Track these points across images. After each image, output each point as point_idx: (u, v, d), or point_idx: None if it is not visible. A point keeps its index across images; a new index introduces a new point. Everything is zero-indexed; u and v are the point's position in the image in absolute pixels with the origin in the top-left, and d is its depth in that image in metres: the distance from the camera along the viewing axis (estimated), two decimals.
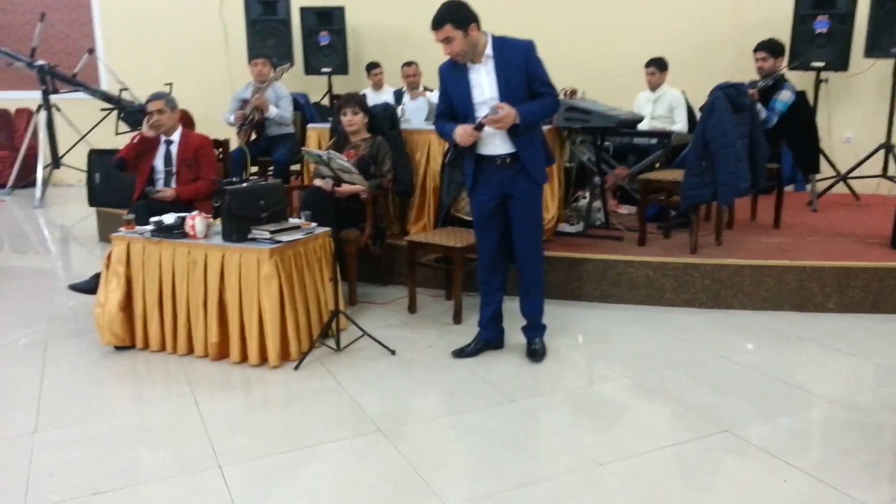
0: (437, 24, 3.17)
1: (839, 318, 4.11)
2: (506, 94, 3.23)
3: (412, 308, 4.28)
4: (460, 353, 3.63)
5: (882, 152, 6.14)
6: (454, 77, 3.33)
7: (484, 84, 3.27)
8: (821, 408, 3.03)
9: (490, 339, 3.68)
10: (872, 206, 5.96)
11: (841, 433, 2.82)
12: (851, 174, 6.23)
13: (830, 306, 4.20)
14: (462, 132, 3.26)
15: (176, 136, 4.42)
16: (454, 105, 3.37)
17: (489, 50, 3.24)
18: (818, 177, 6.04)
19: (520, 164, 3.35)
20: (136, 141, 4.36)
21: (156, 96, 4.40)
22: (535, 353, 3.57)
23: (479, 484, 2.48)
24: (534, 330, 3.63)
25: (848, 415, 2.97)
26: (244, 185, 3.64)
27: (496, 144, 3.34)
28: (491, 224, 3.48)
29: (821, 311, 4.19)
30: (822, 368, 3.49)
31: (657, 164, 5.58)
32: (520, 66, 3.24)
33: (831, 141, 6.70)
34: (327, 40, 7.89)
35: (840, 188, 6.31)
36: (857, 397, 3.13)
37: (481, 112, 3.27)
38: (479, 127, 3.23)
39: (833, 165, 6.30)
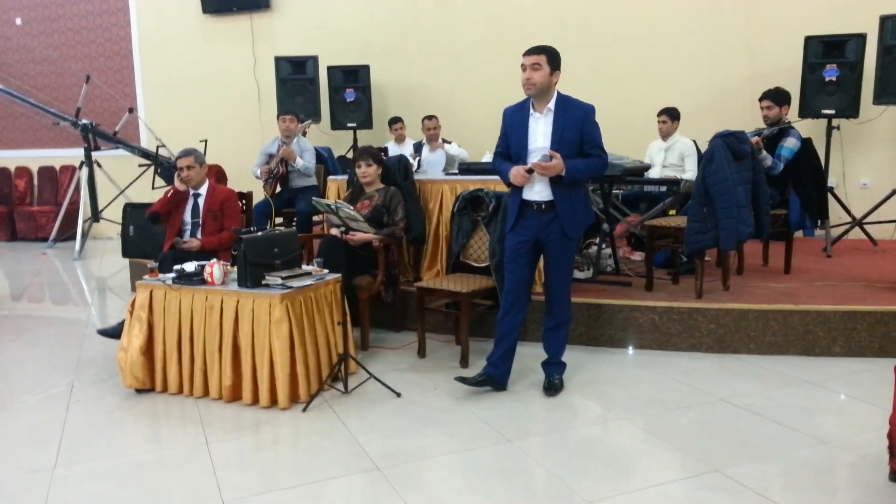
0: (536, 50, 3.50)
1: (845, 362, 4.12)
2: (557, 146, 3.48)
3: (421, 352, 4.41)
4: (463, 380, 3.76)
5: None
6: (516, 120, 3.63)
7: (539, 133, 3.55)
8: (813, 448, 3.05)
9: (493, 377, 3.77)
10: (889, 251, 5.95)
11: (830, 473, 2.86)
12: (867, 219, 6.24)
13: (837, 350, 4.21)
14: (515, 172, 3.54)
15: (203, 190, 4.69)
16: (511, 147, 3.65)
17: (552, 104, 3.52)
18: (833, 222, 6.08)
19: (554, 213, 3.56)
20: (169, 195, 4.64)
21: (185, 153, 4.68)
22: (553, 387, 3.75)
23: None
24: (554, 367, 3.82)
25: (840, 455, 2.99)
26: (259, 233, 3.86)
27: (535, 191, 3.59)
28: (518, 264, 3.68)
29: (827, 355, 4.21)
30: (821, 411, 3.51)
31: (672, 212, 5.68)
32: (576, 124, 3.50)
33: (846, 186, 6.73)
34: (353, 97, 8.23)
35: (858, 234, 6.31)
36: (852, 438, 3.14)
37: (532, 158, 3.53)
38: (530, 171, 3.49)
39: (848, 211, 6.32)
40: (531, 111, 3.57)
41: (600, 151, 3.54)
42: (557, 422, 3.47)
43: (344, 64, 8.23)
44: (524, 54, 3.51)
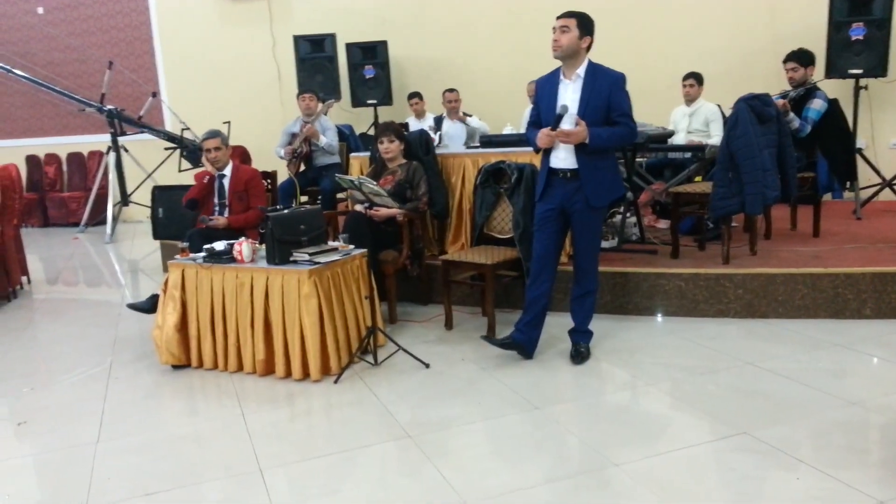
0: (567, 14, 3.51)
1: (876, 324, 4.09)
2: (584, 112, 3.49)
3: (448, 325, 4.45)
4: (489, 339, 3.88)
5: None
6: (547, 89, 3.64)
7: (568, 99, 3.55)
8: (842, 410, 3.06)
9: (520, 342, 3.81)
10: None
11: (858, 433, 2.86)
12: None
13: (867, 313, 4.18)
14: (541, 134, 3.56)
15: (228, 171, 4.75)
16: (541, 114, 3.66)
17: (582, 70, 3.52)
18: (862, 184, 5.99)
19: (579, 182, 3.57)
20: (206, 181, 4.71)
21: (211, 134, 4.74)
22: (580, 354, 3.79)
23: (497, 483, 2.62)
24: (581, 335, 3.85)
25: (868, 416, 3.00)
26: (286, 211, 3.91)
27: (561, 158, 3.60)
28: (545, 232, 3.72)
29: (857, 317, 4.18)
30: (851, 373, 3.51)
31: (698, 178, 5.63)
32: (604, 91, 3.49)
33: (875, 147, 6.62)
34: (372, 73, 8.24)
35: (889, 195, 6.21)
36: (882, 399, 3.13)
37: (561, 123, 3.53)
38: (556, 124, 3.49)
39: (878, 172, 6.21)
40: (561, 78, 3.58)
41: (628, 120, 3.52)
42: (584, 389, 3.50)
43: (362, 41, 8.23)
44: (557, 18, 3.51)
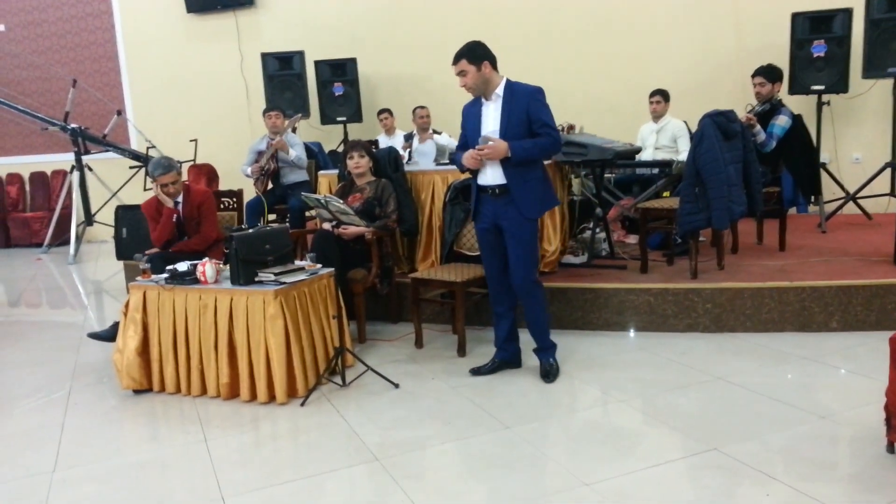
0: (456, 59, 3.56)
1: (842, 336, 4.13)
2: (506, 129, 3.52)
3: (419, 343, 4.40)
4: (477, 371, 3.87)
5: (888, 171, 6.13)
6: (472, 112, 3.70)
7: (490, 119, 3.60)
8: (811, 424, 3.06)
9: (506, 359, 3.89)
10: (883, 224, 5.93)
11: (827, 447, 2.86)
12: (861, 194, 6.23)
13: (833, 325, 4.21)
14: (466, 155, 3.60)
15: (180, 197, 4.52)
16: (467, 137, 3.70)
17: (500, 90, 3.56)
18: (827, 197, 6.07)
19: (510, 197, 3.57)
20: (173, 220, 4.46)
21: (166, 169, 4.40)
22: (550, 372, 3.76)
23: None
24: (544, 351, 3.82)
25: (837, 429, 3.00)
26: (250, 231, 3.84)
27: (489, 175, 3.62)
28: (491, 251, 3.74)
29: (823, 330, 4.21)
30: (819, 386, 3.52)
31: (666, 193, 5.67)
32: (522, 107, 3.52)
33: (839, 162, 6.73)
34: (341, 90, 8.20)
35: (853, 208, 6.31)
36: (851, 413, 3.14)
37: (481, 143, 3.56)
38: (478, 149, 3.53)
39: (842, 186, 6.31)
40: (483, 101, 3.64)
41: (549, 130, 3.53)
42: (556, 406, 3.47)
43: (331, 58, 8.19)
44: (452, 65, 3.56)
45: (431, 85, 8.05)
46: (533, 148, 3.52)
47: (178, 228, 4.54)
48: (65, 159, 9.24)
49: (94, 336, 4.53)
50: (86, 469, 3.06)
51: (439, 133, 7.06)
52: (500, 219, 3.62)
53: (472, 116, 3.69)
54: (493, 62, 3.55)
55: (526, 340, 3.90)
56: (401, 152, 5.29)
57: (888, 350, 2.70)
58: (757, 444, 2.90)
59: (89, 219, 8.85)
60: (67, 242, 8.65)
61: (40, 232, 9.51)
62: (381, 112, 7.53)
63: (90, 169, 8.84)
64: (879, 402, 2.77)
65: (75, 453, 3.22)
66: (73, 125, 8.59)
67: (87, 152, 8.74)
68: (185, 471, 3.00)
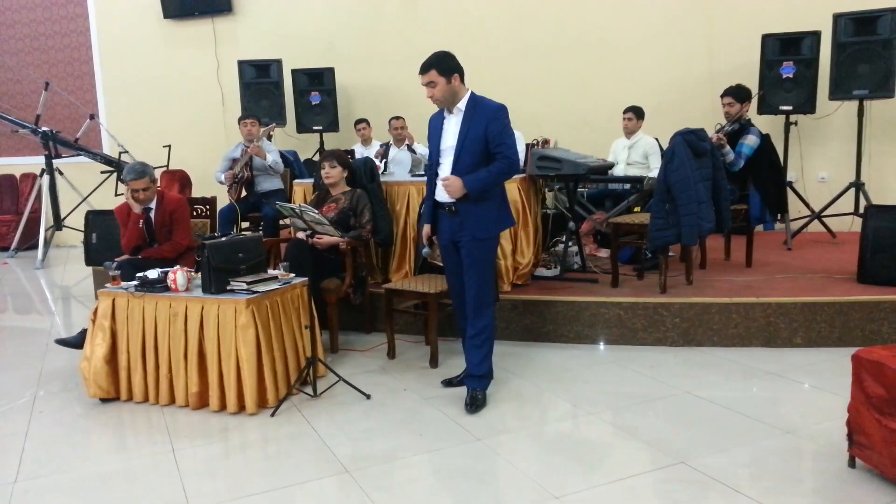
0: (425, 68, 3.49)
1: (806, 352, 4.21)
2: (462, 143, 3.49)
3: (391, 354, 4.40)
4: (449, 383, 3.86)
5: (853, 190, 6.28)
6: (436, 123, 3.66)
7: (450, 132, 3.56)
8: (777, 438, 3.12)
9: None
10: (847, 242, 6.07)
11: (792, 461, 2.92)
12: (826, 212, 6.37)
13: (798, 341, 4.30)
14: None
15: (153, 204, 4.48)
16: (431, 150, 3.68)
17: (462, 104, 3.51)
18: (793, 215, 6.20)
19: (462, 217, 3.54)
20: (140, 225, 4.44)
21: (138, 174, 4.36)
22: (476, 403, 3.56)
23: None
24: (476, 380, 3.63)
25: (802, 444, 3.06)
26: (223, 239, 3.82)
27: (443, 191, 3.56)
28: (452, 267, 3.70)
29: (788, 346, 4.29)
30: (784, 401, 3.58)
31: (637, 209, 5.75)
32: (482, 124, 3.47)
33: (805, 180, 6.88)
34: (318, 100, 8.19)
35: (818, 226, 6.44)
36: (814, 427, 3.21)
37: (443, 157, 3.57)
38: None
39: (807, 204, 6.45)
40: (445, 113, 3.60)
41: (505, 149, 3.45)
42: (526, 418, 3.49)
43: (308, 67, 8.19)
44: (420, 74, 3.50)
45: (409, 96, 8.05)
46: (488, 177, 3.45)
47: (149, 234, 4.50)
48: (35, 162, 9.10)
49: (62, 342, 4.45)
50: (49, 479, 3.01)
51: (414, 146, 7.09)
52: (456, 236, 3.57)
53: (436, 128, 3.64)
54: (461, 75, 3.50)
55: (496, 352, 3.90)
56: (376, 162, 5.30)
57: (850, 366, 2.76)
58: (724, 457, 2.95)
59: (58, 223, 8.71)
60: (35, 247, 8.50)
61: (7, 235, 9.33)
62: (357, 122, 7.54)
63: (61, 173, 8.70)
64: (842, 418, 2.83)
65: (39, 462, 3.16)
66: (45, 128, 8.45)
67: (59, 156, 8.60)
68: (152, 482, 2.96)
